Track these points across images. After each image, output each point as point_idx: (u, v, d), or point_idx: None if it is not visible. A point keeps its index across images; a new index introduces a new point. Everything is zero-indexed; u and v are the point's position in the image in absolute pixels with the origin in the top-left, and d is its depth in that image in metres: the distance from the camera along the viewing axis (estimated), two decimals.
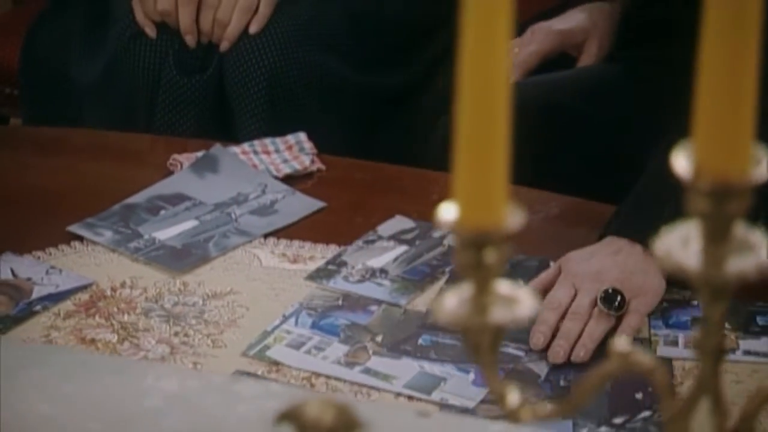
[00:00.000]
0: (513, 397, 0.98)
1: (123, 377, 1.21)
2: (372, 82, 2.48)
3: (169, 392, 1.17)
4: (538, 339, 1.84)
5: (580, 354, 1.82)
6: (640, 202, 1.96)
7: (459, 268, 0.94)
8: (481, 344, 0.96)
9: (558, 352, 1.82)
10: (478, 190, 0.93)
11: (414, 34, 2.56)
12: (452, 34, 2.45)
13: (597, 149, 2.15)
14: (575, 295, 1.87)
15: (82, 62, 2.52)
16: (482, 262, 0.93)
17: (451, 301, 0.95)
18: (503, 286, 0.93)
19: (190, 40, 2.44)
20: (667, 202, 1.80)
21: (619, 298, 1.85)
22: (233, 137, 2.34)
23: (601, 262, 1.90)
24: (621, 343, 0.96)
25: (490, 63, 0.90)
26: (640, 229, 1.89)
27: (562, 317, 1.85)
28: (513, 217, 0.91)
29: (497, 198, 0.92)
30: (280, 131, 2.27)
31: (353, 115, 2.44)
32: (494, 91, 0.90)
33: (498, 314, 0.94)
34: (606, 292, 1.85)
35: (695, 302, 1.92)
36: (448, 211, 0.93)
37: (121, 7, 2.50)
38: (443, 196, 2.08)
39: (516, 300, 0.94)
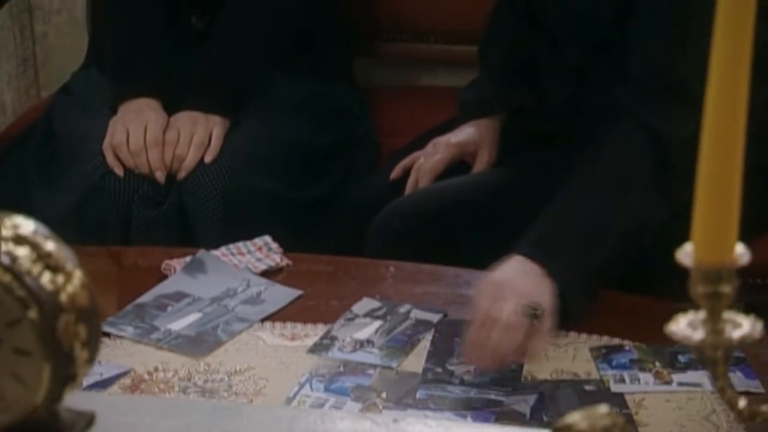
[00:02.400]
0: (741, 401, 1.02)
1: None
2: (301, 196, 2.51)
3: None
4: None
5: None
6: (542, 236, 1.99)
7: (695, 297, 0.97)
8: (716, 359, 1.00)
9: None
10: (713, 231, 0.95)
11: (325, 155, 2.60)
12: (353, 154, 2.50)
13: (503, 234, 2.17)
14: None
15: (45, 198, 2.46)
16: (717, 291, 0.96)
17: (683, 324, 0.99)
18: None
19: (159, 175, 2.44)
20: (561, 238, 1.95)
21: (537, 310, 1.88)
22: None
23: (516, 282, 1.91)
24: None
25: (731, 120, 0.92)
26: (545, 256, 1.93)
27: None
28: (742, 255, 0.95)
29: (730, 237, 0.95)
30: (235, 241, 2.27)
31: (292, 223, 2.46)
32: (732, 143, 0.92)
33: (730, 334, 0.98)
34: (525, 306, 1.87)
35: (627, 347, 1.99)
36: (686, 251, 0.96)
37: (82, 149, 2.47)
38: (397, 278, 2.13)
39: (740, 324, 0.98)
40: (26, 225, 1.08)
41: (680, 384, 1.90)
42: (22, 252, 1.05)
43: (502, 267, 1.94)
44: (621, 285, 2.11)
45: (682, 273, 2.21)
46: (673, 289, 2.09)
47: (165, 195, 2.44)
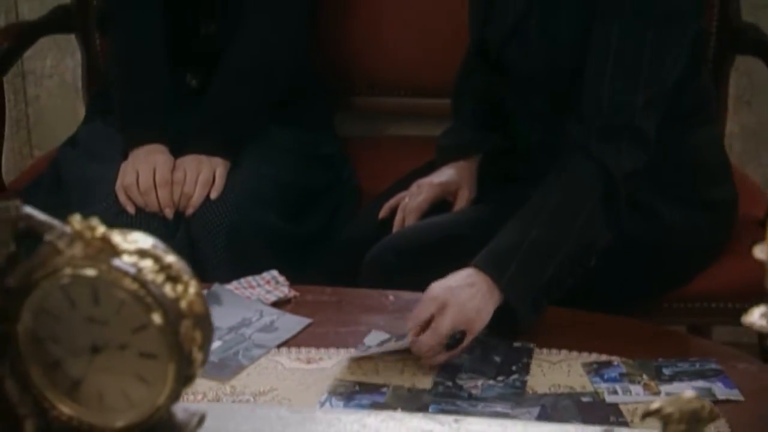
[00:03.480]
0: None
1: None
2: (297, 230, 2.52)
3: None
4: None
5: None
6: (494, 252, 2.07)
7: None
8: None
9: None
10: None
11: (314, 196, 2.61)
12: (338, 196, 2.51)
13: None
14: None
15: None
16: None
17: (757, 316, 1.02)
18: None
19: (168, 212, 2.44)
20: (510, 254, 2.03)
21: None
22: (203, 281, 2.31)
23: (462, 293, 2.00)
24: None
25: None
26: (495, 269, 2.02)
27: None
28: None
29: None
30: (240, 273, 2.27)
31: (290, 255, 2.46)
32: None
33: None
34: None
35: (615, 362, 2.01)
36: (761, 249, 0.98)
37: (94, 192, 2.46)
38: (396, 305, 2.13)
39: None
40: (145, 240, 1.07)
41: (668, 394, 1.92)
42: (146, 264, 1.05)
43: (455, 275, 2.04)
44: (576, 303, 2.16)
45: (627, 290, 2.25)
46: (614, 306, 2.16)
47: (175, 230, 2.43)
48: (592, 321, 2.12)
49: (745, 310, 2.45)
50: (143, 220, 2.42)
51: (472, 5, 2.44)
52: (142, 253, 1.05)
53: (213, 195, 2.44)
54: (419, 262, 2.29)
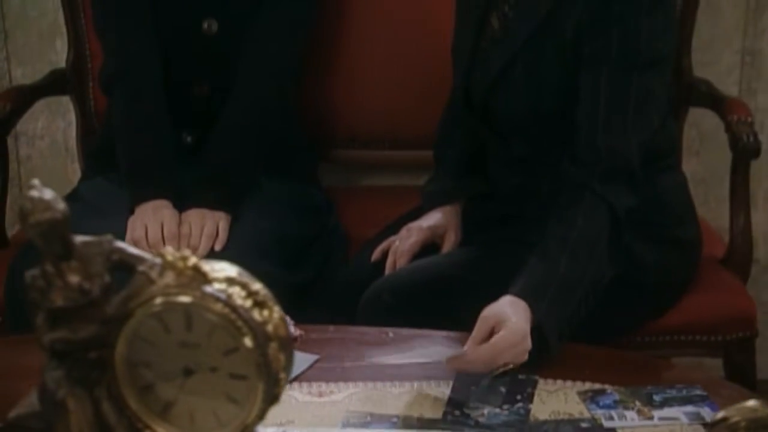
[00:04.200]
0: None
1: None
2: (294, 279, 2.52)
3: None
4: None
5: None
6: (530, 283, 2.10)
7: None
8: None
9: None
10: None
11: (307, 245, 2.62)
12: (328, 244, 2.51)
13: (476, 301, 2.20)
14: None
15: None
16: None
17: None
18: None
19: None
20: (544, 287, 2.07)
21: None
22: None
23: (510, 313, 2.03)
24: None
25: None
26: (531, 298, 2.06)
27: None
28: None
29: None
30: None
31: (289, 303, 2.44)
32: None
33: None
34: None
35: (609, 390, 2.02)
36: None
37: None
38: (397, 343, 2.13)
39: None
40: (231, 269, 1.08)
41: (661, 419, 1.93)
42: (234, 290, 1.05)
43: (501, 301, 2.06)
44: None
45: (604, 324, 2.28)
46: (593, 339, 2.19)
47: None
48: (582, 352, 2.14)
49: (712, 343, 2.51)
50: None
51: (456, 54, 2.47)
52: (230, 281, 1.05)
53: (217, 247, 2.44)
54: (414, 301, 2.30)
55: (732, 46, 3.13)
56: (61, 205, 1.17)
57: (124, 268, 1.07)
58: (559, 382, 2.05)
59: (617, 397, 2.00)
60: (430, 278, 2.34)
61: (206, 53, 2.64)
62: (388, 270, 2.42)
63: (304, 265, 2.55)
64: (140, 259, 1.07)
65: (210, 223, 2.45)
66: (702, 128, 3.14)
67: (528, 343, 2.03)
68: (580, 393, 2.02)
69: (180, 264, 1.04)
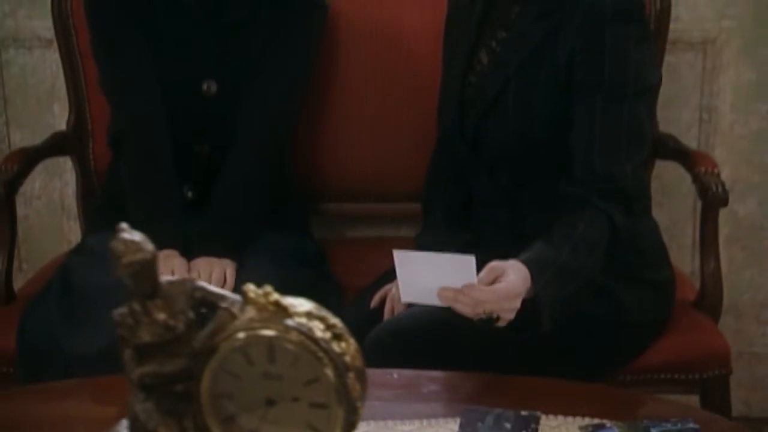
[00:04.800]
0: None
1: None
2: None
3: None
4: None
5: None
6: (536, 257, 2.16)
7: None
8: None
9: None
10: None
11: (305, 293, 2.59)
12: (324, 292, 2.50)
13: (472, 343, 2.21)
14: None
15: (78, 340, 2.39)
16: None
17: None
18: None
19: None
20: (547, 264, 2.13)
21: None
22: None
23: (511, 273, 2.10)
24: None
25: None
26: (535, 270, 2.11)
27: None
28: None
29: None
30: None
31: None
32: None
33: None
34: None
35: (608, 425, 2.03)
36: None
37: (113, 296, 2.40)
38: (402, 384, 2.12)
39: None
40: (308, 304, 1.08)
41: None
42: (314, 324, 1.05)
43: (509, 261, 2.12)
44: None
45: (588, 364, 2.29)
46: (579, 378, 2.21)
47: None
48: (580, 389, 2.14)
49: (690, 381, 2.53)
50: None
51: (445, 90, 2.49)
52: (309, 315, 1.05)
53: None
54: (414, 345, 2.29)
55: (690, 104, 3.18)
56: (150, 247, 1.17)
57: (207, 305, 1.07)
58: (561, 417, 2.04)
59: (616, 431, 2.01)
60: (427, 322, 2.33)
61: (206, 113, 2.65)
62: (386, 316, 2.42)
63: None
64: (221, 297, 1.07)
65: (218, 270, 2.45)
66: (665, 180, 3.17)
67: (517, 304, 2.08)
68: (581, 428, 2.01)
69: (261, 300, 1.04)
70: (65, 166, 3.21)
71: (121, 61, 2.61)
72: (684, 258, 3.20)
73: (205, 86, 2.64)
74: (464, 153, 2.46)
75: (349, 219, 3.10)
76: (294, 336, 1.03)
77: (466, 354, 2.26)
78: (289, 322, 1.04)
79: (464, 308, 2.08)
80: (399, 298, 2.42)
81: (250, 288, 1.05)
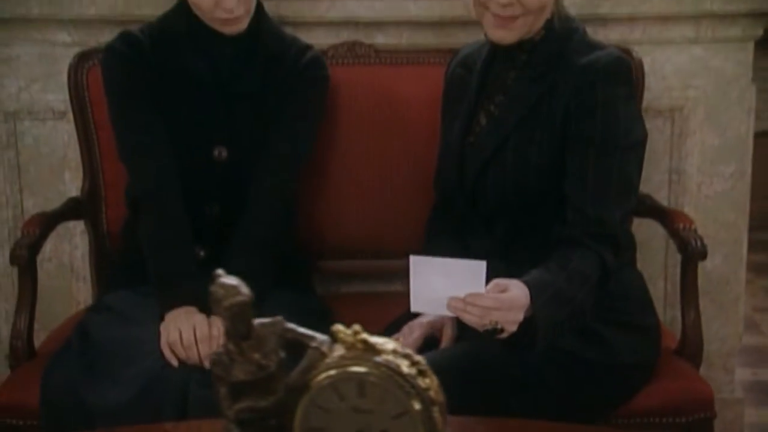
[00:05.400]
0: None
1: None
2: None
3: None
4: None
5: None
6: (536, 280, 2.18)
7: None
8: None
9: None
10: None
11: None
12: None
13: (478, 390, 2.22)
14: None
15: (101, 394, 2.37)
16: None
17: None
18: None
19: (207, 363, 2.37)
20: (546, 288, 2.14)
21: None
22: None
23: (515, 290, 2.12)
24: None
25: None
26: (534, 291, 2.13)
27: None
28: None
29: None
30: None
31: None
32: None
33: None
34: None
35: None
36: None
37: (136, 350, 2.41)
38: None
39: None
40: (392, 343, 1.08)
41: None
42: (401, 361, 1.05)
43: (511, 280, 2.15)
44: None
45: (580, 406, 2.30)
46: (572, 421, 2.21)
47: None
48: (580, 430, 2.15)
49: (677, 424, 2.54)
50: (187, 370, 2.37)
51: (445, 152, 2.52)
52: (395, 353, 1.06)
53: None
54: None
55: (661, 166, 3.22)
56: (246, 290, 1.16)
57: (297, 344, 1.07)
58: None
59: None
60: (435, 370, 2.33)
61: (216, 177, 2.65)
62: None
63: None
64: (310, 337, 1.07)
65: None
66: (638, 237, 3.20)
67: (520, 316, 2.10)
68: None
69: (350, 338, 1.04)
70: (75, 230, 3.19)
71: (137, 128, 2.61)
72: (658, 310, 3.21)
73: (216, 152, 2.65)
74: (463, 208, 2.48)
75: (345, 275, 3.10)
76: (384, 372, 1.03)
77: (476, 400, 2.25)
78: (379, 359, 1.04)
79: (472, 318, 2.10)
80: (408, 346, 2.42)
81: (340, 328, 1.05)
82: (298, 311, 2.54)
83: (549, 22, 2.40)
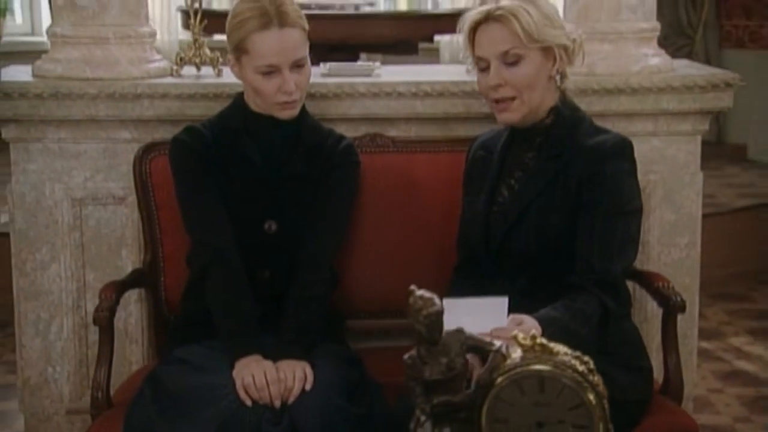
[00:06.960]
0: None
1: None
2: (357, 411, 2.45)
3: None
4: None
5: None
6: (546, 316, 2.14)
7: None
8: None
9: None
10: None
11: (354, 386, 2.54)
12: (366, 386, 2.44)
13: None
14: None
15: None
16: None
17: None
18: None
19: (277, 403, 2.35)
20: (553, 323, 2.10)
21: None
22: None
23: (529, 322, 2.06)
24: None
25: None
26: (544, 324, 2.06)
27: None
28: None
29: None
30: None
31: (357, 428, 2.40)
32: None
33: None
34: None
35: None
36: None
37: (211, 394, 2.35)
38: None
39: None
40: (560, 346, 1.06)
41: None
42: (573, 361, 1.04)
43: (525, 315, 2.10)
44: None
45: None
46: None
47: (281, 415, 2.34)
48: None
49: None
50: (259, 409, 2.32)
51: (472, 220, 2.51)
52: (567, 354, 1.03)
53: (307, 387, 2.38)
54: None
55: None
56: (439, 301, 1.14)
57: (477, 350, 1.05)
58: None
59: None
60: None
61: (267, 246, 2.62)
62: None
63: (358, 402, 2.48)
64: (489, 343, 1.04)
65: (299, 370, 2.40)
66: None
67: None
68: None
69: (529, 342, 1.02)
70: (129, 299, 3.12)
71: (201, 204, 2.59)
72: None
73: (266, 226, 2.63)
74: (488, 267, 2.48)
75: (368, 332, 3.05)
76: (563, 369, 1.00)
77: None
78: (559, 358, 1.02)
79: None
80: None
81: (519, 335, 1.03)
82: (339, 360, 2.52)
83: (557, 109, 2.45)
